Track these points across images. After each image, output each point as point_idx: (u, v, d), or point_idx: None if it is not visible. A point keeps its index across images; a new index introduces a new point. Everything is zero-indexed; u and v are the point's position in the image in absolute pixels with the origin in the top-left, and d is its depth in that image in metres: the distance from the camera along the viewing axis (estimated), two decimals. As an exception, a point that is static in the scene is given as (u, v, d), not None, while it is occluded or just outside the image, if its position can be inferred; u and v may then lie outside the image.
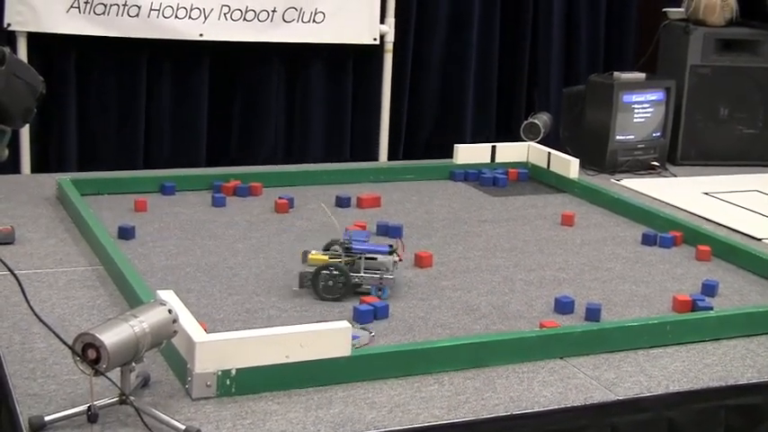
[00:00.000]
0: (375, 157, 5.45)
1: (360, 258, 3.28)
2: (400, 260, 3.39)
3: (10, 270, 2.32)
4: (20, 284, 2.31)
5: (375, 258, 3.30)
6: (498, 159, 4.98)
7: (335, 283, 3.23)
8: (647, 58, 5.66)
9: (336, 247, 3.32)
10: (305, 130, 5.40)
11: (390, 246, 3.36)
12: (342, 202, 4.31)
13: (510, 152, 5.02)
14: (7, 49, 2.35)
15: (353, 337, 2.75)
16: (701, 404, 2.77)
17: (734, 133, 5.44)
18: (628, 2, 6.13)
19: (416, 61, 5.62)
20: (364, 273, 3.27)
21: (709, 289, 3.48)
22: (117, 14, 4.76)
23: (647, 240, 4.03)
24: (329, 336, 2.66)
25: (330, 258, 3.26)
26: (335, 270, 3.22)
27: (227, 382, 2.54)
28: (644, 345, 2.99)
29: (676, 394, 2.76)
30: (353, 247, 3.29)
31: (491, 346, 2.85)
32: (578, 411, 2.64)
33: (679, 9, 5.58)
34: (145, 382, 2.56)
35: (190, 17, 4.88)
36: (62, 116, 4.90)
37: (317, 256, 3.28)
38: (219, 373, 2.53)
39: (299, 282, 3.29)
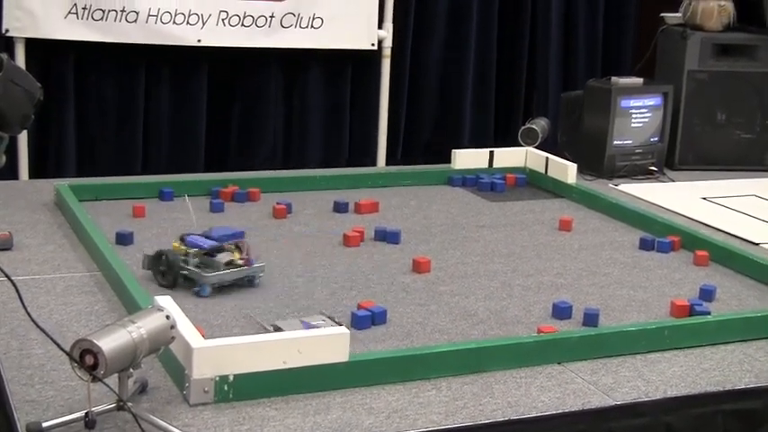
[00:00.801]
0: (373, 163, 5.45)
1: (190, 254, 3.33)
2: (244, 263, 3.36)
3: (7, 276, 2.32)
4: (17, 290, 2.31)
5: (213, 256, 3.33)
6: (496, 164, 4.99)
7: (167, 270, 3.32)
8: (645, 63, 5.67)
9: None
10: (303, 135, 5.40)
11: (231, 246, 3.38)
12: (340, 208, 4.31)
13: (508, 157, 5.03)
14: (5, 56, 2.35)
15: (307, 325, 2.85)
16: (698, 409, 2.77)
17: (731, 138, 5.45)
18: (626, 7, 6.14)
19: (414, 66, 5.62)
20: (193, 268, 3.30)
21: (707, 294, 3.48)
22: (115, 20, 4.76)
23: (645, 245, 4.03)
24: (327, 342, 2.66)
25: (184, 248, 3.34)
26: (167, 259, 3.32)
27: (225, 388, 2.54)
28: (642, 350, 3.00)
29: (674, 399, 2.76)
30: (188, 241, 3.35)
31: (489, 352, 2.85)
32: (576, 416, 2.64)
33: (676, 14, 5.59)
34: (142, 388, 2.56)
35: (188, 23, 4.89)
36: (60, 122, 4.90)
37: (174, 244, 3.37)
38: (217, 378, 2.53)
39: (142, 263, 3.41)
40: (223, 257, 3.34)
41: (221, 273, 3.30)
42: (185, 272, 3.31)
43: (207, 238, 3.38)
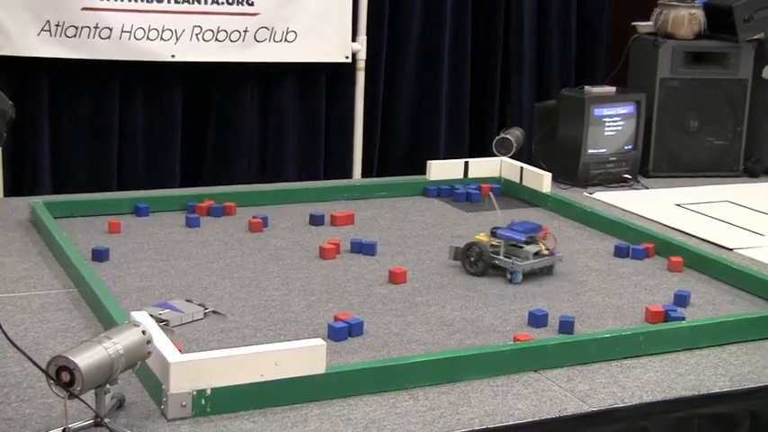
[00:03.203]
0: (349, 175, 5.46)
1: (501, 245, 3.75)
2: (549, 253, 3.78)
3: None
4: (-7, 308, 2.31)
5: (521, 247, 3.73)
6: (471, 175, 5.01)
7: (477, 259, 3.73)
8: (618, 71, 5.70)
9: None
10: (279, 148, 5.40)
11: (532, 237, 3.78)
12: (316, 221, 4.32)
13: (483, 167, 5.05)
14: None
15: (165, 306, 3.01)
16: (674, 414, 2.80)
17: (704, 145, 5.49)
18: (598, 17, 6.17)
19: (389, 78, 5.64)
20: (503, 257, 3.71)
21: (682, 299, 3.51)
22: (88, 37, 4.75)
23: (620, 252, 4.05)
24: (304, 354, 2.66)
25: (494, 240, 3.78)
26: (478, 249, 3.73)
27: (203, 402, 2.54)
28: (617, 356, 3.02)
29: (650, 404, 2.78)
30: (500, 233, 3.77)
31: (466, 361, 2.87)
32: (553, 423, 2.66)
33: (648, 23, 5.63)
34: (120, 404, 2.56)
35: (161, 38, 4.89)
36: (35, 140, 4.89)
37: (480, 237, 3.82)
38: (194, 393, 2.53)
39: (451, 254, 3.84)
40: (532, 248, 3.73)
41: (531, 261, 3.70)
42: (496, 261, 3.68)
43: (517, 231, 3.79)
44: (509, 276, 3.69)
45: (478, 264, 3.74)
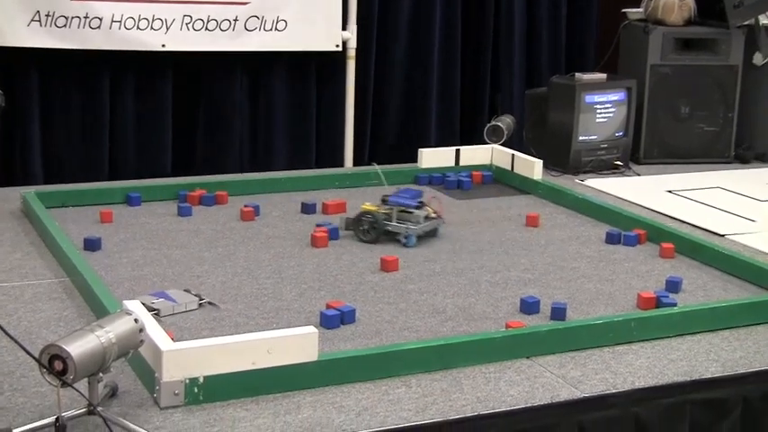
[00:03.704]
0: (340, 164, 5.46)
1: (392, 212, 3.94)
2: (438, 216, 4.00)
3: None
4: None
5: (411, 212, 3.94)
6: (462, 162, 5.01)
7: (370, 228, 3.92)
8: (608, 58, 5.71)
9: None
10: (270, 137, 5.40)
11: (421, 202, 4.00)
12: (307, 209, 4.32)
13: (474, 155, 5.05)
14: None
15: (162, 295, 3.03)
16: (666, 399, 2.81)
17: (695, 131, 5.49)
18: (588, 3, 6.17)
19: (379, 67, 5.63)
20: (397, 222, 3.91)
21: (673, 286, 3.52)
22: (78, 27, 4.74)
23: (612, 239, 4.06)
24: (296, 341, 2.67)
25: (385, 208, 3.97)
26: (371, 217, 3.91)
27: (195, 390, 2.55)
28: (609, 342, 3.03)
29: (642, 390, 2.79)
30: (391, 200, 3.97)
31: (458, 348, 2.87)
32: (545, 410, 2.67)
33: (638, 9, 5.63)
34: (113, 393, 2.56)
35: (152, 28, 4.88)
36: (25, 130, 4.88)
37: (367, 206, 3.98)
38: (187, 381, 2.54)
39: (342, 225, 3.99)
40: (422, 212, 3.96)
41: (423, 225, 3.92)
42: (389, 227, 3.89)
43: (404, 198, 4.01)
44: (403, 241, 3.89)
45: (371, 232, 3.92)
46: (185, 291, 3.27)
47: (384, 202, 4.00)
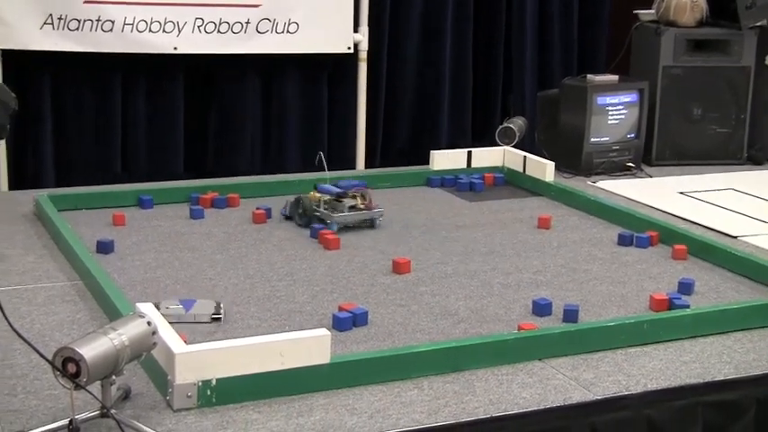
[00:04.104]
0: (352, 166, 5.46)
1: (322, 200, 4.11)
2: (366, 207, 4.13)
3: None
4: (-2, 301, 2.31)
5: (340, 201, 4.10)
6: (474, 164, 5.01)
7: (303, 213, 4.10)
8: (620, 60, 5.69)
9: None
10: (281, 140, 5.41)
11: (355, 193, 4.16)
12: (319, 211, 4.33)
13: (486, 157, 5.05)
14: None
15: (187, 309, 3.06)
16: (679, 401, 2.80)
17: (707, 132, 5.48)
18: (600, 5, 6.17)
19: (391, 69, 5.64)
20: (324, 210, 4.07)
21: (686, 287, 3.51)
22: (91, 30, 4.76)
23: (624, 241, 4.05)
24: (308, 344, 2.67)
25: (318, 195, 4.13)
26: (303, 203, 4.11)
27: (208, 393, 2.55)
28: (622, 344, 3.02)
29: (655, 392, 2.78)
30: (320, 188, 4.16)
31: (470, 350, 2.87)
32: (558, 412, 2.66)
33: (650, 11, 5.62)
34: (126, 395, 2.57)
35: (164, 31, 4.89)
36: (38, 133, 4.90)
37: (311, 193, 4.16)
38: (200, 383, 2.54)
39: (285, 208, 4.20)
40: (348, 202, 4.10)
41: (345, 214, 4.05)
42: (318, 213, 4.05)
43: (335, 187, 4.15)
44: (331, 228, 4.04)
45: (303, 217, 4.11)
46: (216, 302, 3.20)
47: (315, 188, 4.19)
